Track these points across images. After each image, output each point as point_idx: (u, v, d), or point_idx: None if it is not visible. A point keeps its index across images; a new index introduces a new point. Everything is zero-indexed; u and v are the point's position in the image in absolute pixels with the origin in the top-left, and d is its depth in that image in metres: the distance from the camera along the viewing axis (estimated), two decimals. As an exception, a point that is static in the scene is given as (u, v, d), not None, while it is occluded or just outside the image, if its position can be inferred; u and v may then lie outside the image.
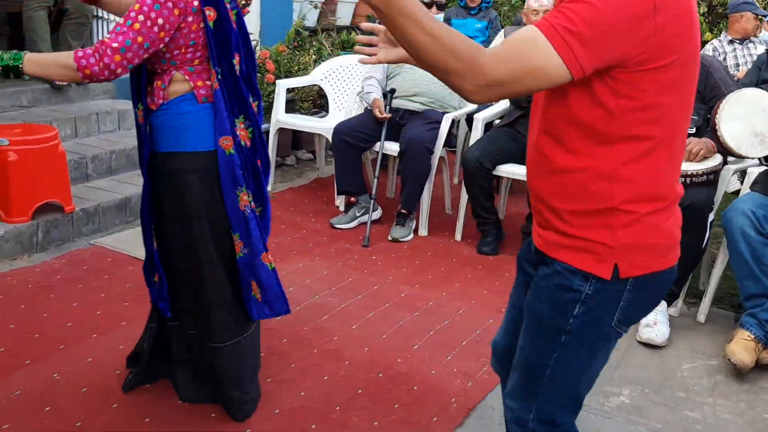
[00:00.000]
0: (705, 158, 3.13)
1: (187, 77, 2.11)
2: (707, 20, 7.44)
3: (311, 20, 7.13)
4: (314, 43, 6.34)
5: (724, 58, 5.29)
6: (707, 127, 3.33)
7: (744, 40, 5.30)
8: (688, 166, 3.11)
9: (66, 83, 4.59)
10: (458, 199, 4.18)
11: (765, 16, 5.48)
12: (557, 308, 1.45)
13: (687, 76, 1.35)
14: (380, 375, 2.68)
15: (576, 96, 1.33)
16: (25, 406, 2.32)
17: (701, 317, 3.30)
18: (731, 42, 5.34)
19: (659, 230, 1.41)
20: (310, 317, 3.07)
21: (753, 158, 3.12)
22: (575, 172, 1.38)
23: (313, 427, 2.34)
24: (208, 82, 2.12)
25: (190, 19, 2.03)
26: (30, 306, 2.97)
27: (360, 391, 2.56)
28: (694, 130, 3.36)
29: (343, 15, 7.95)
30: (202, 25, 2.05)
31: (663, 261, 1.44)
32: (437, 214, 4.43)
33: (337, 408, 2.45)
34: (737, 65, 5.26)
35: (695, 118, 3.38)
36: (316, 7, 7.22)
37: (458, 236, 4.11)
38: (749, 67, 4.44)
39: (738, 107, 2.94)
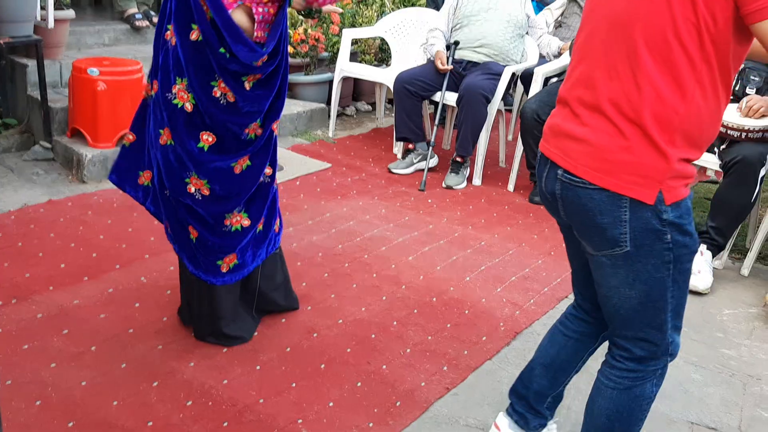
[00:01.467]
0: (764, 116, 3.21)
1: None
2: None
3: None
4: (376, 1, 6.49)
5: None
6: None
7: None
8: (744, 122, 3.20)
9: (145, 25, 4.85)
10: (513, 153, 4.33)
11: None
12: None
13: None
14: (434, 299, 2.88)
15: None
16: (118, 302, 2.60)
17: (745, 271, 3.41)
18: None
19: None
20: (370, 247, 3.29)
21: None
22: None
23: (373, 336, 2.57)
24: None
25: None
26: (116, 221, 3.25)
27: (416, 311, 2.78)
28: (754, 90, 3.44)
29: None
30: None
31: None
32: (491, 166, 4.58)
33: (395, 323, 2.67)
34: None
35: (756, 79, 3.46)
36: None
37: (511, 187, 4.27)
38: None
39: None
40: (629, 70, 1.44)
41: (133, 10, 4.89)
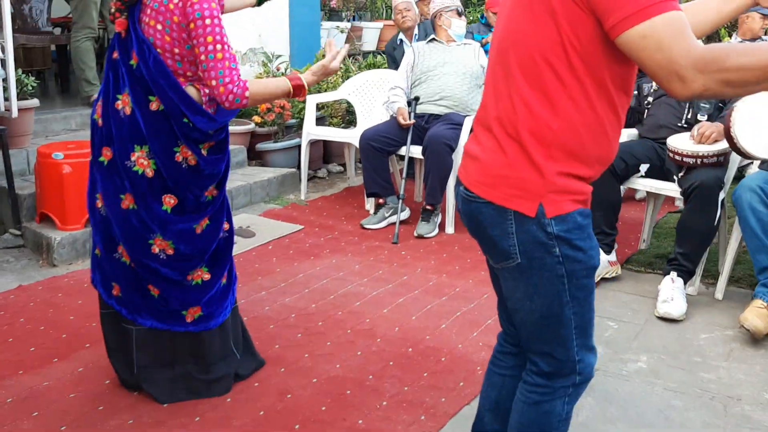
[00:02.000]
0: (716, 141, 3.28)
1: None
2: (725, 27, 7.59)
3: (338, 44, 7.45)
4: (341, 65, 6.65)
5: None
6: (719, 114, 3.49)
7: (753, 39, 5.43)
8: (699, 148, 3.27)
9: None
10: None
11: (773, 15, 5.61)
12: None
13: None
14: (410, 350, 2.87)
15: None
16: (88, 380, 2.57)
17: (718, 295, 3.43)
18: (742, 42, 5.48)
19: None
20: (343, 303, 3.28)
21: None
22: None
23: (348, 392, 2.54)
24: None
25: None
26: (87, 301, 3.23)
27: (391, 363, 2.75)
28: (705, 117, 3.53)
29: (369, 40, 8.29)
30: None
31: None
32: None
33: (371, 377, 2.65)
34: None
35: (706, 106, 3.56)
36: (342, 32, 7.56)
37: (483, 233, 4.29)
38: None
39: (747, 119, 2.98)
40: (507, 90, 1.50)
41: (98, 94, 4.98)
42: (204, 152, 2.33)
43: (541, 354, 1.64)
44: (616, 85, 1.45)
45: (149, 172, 2.25)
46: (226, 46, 2.15)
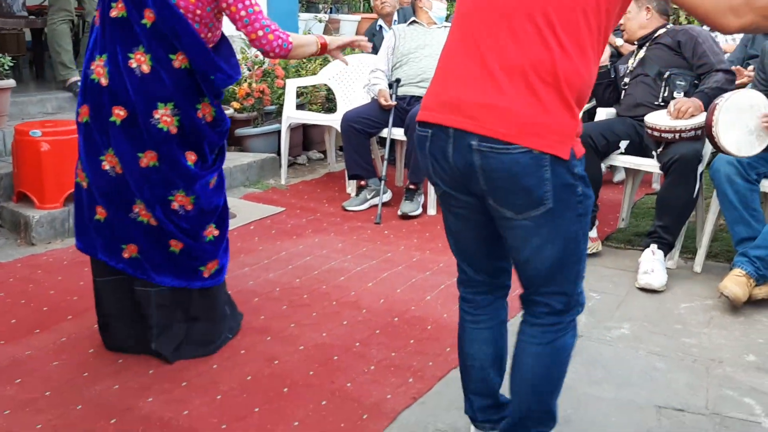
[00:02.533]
0: (693, 116, 3.34)
1: None
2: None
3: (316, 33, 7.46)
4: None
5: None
6: (695, 90, 3.54)
7: None
8: (677, 123, 3.32)
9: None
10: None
11: None
12: None
13: None
14: (396, 319, 2.87)
15: None
16: (71, 350, 2.54)
17: (697, 268, 3.48)
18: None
19: None
20: (327, 278, 3.27)
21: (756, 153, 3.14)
22: None
23: (335, 358, 2.54)
24: None
25: None
26: (66, 277, 3.19)
27: (378, 331, 2.76)
28: (681, 94, 3.58)
29: (346, 32, 8.30)
30: None
31: None
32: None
33: (357, 344, 2.65)
34: (725, 40, 5.49)
35: (682, 83, 3.61)
36: (320, 21, 7.55)
37: (465, 214, 4.31)
38: (736, 43, 4.67)
39: (728, 115, 3.03)
40: (539, 39, 1.53)
41: (75, 78, 4.91)
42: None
43: (553, 294, 1.72)
44: (607, 36, 1.61)
45: (173, 129, 2.30)
46: (256, 1, 2.31)
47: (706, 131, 3.13)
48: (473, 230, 1.79)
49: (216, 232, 2.50)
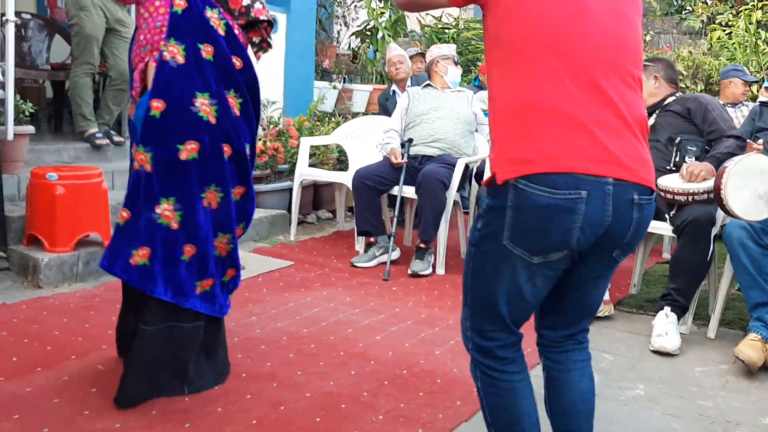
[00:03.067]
0: (704, 179, 3.35)
1: None
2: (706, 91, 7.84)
3: (329, 102, 7.62)
4: (332, 120, 6.79)
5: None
6: (707, 155, 3.57)
7: (735, 104, 5.63)
8: (689, 186, 3.33)
9: (105, 143, 4.93)
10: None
11: (754, 82, 5.84)
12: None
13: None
14: (404, 371, 2.81)
15: None
16: (74, 388, 2.48)
17: (711, 334, 3.42)
18: (724, 105, 5.67)
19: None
20: (335, 330, 3.23)
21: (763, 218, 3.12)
22: None
23: (343, 406, 2.47)
24: None
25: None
26: (72, 319, 3.15)
27: (386, 383, 2.70)
28: (693, 159, 3.61)
29: (359, 101, 8.48)
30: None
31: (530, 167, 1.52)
32: (454, 258, 4.61)
33: (365, 394, 2.59)
34: (735, 117, 5.58)
35: (693, 148, 3.65)
36: (335, 88, 7.72)
37: (474, 275, 4.28)
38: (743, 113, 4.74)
39: (737, 179, 3.03)
40: (627, 90, 1.61)
41: (93, 129, 4.98)
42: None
43: (587, 327, 1.83)
44: None
45: (212, 119, 2.34)
46: None
47: (714, 193, 3.13)
48: (550, 286, 1.71)
49: (230, 246, 2.49)
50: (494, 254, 1.62)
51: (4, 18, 4.13)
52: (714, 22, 9.17)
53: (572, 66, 1.53)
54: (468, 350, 1.79)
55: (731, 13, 9.32)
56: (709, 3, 11.20)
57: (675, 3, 12.29)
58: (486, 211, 1.64)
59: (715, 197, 3.13)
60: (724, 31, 8.34)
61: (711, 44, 8.38)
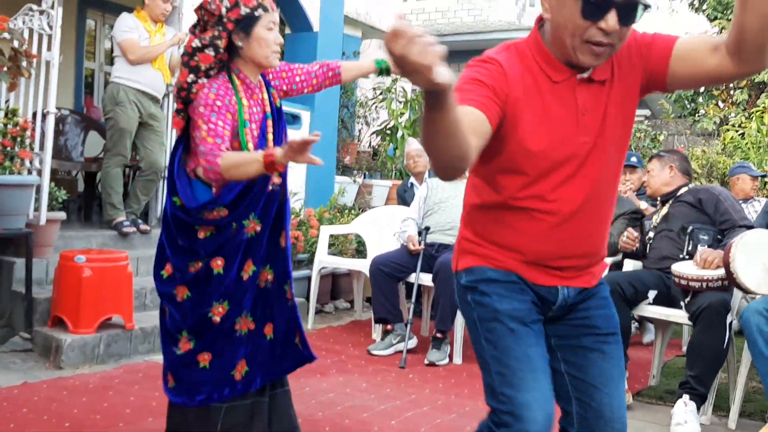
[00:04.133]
0: (718, 267, 3.39)
1: None
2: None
3: (350, 195, 7.83)
4: (351, 212, 6.96)
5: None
6: (719, 244, 3.62)
7: (747, 200, 5.70)
8: (703, 272, 3.37)
9: (132, 231, 5.09)
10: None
11: (762, 176, 5.94)
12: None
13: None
14: (420, 455, 2.79)
15: None
16: (88, 463, 2.50)
17: (732, 424, 3.36)
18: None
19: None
20: (351, 414, 3.22)
21: None
22: None
23: (357, 487, 2.45)
24: None
25: None
26: (91, 399, 3.19)
27: (401, 465, 2.67)
28: (705, 247, 3.66)
29: (378, 196, 8.69)
30: None
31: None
32: (470, 347, 4.60)
33: (379, 476, 2.56)
34: (747, 211, 5.63)
35: (705, 237, 3.71)
36: (355, 182, 7.95)
37: (491, 364, 4.27)
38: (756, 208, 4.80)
39: (745, 251, 3.10)
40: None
41: (121, 218, 5.15)
42: None
43: None
44: None
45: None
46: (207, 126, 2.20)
47: (725, 269, 3.15)
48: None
49: (251, 326, 2.40)
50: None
51: (45, 111, 4.39)
52: (727, 124, 9.38)
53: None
54: None
55: (743, 115, 9.55)
56: (722, 106, 11.50)
57: (688, 106, 12.63)
58: None
59: (726, 273, 3.16)
60: (737, 131, 8.53)
61: (725, 144, 8.55)
